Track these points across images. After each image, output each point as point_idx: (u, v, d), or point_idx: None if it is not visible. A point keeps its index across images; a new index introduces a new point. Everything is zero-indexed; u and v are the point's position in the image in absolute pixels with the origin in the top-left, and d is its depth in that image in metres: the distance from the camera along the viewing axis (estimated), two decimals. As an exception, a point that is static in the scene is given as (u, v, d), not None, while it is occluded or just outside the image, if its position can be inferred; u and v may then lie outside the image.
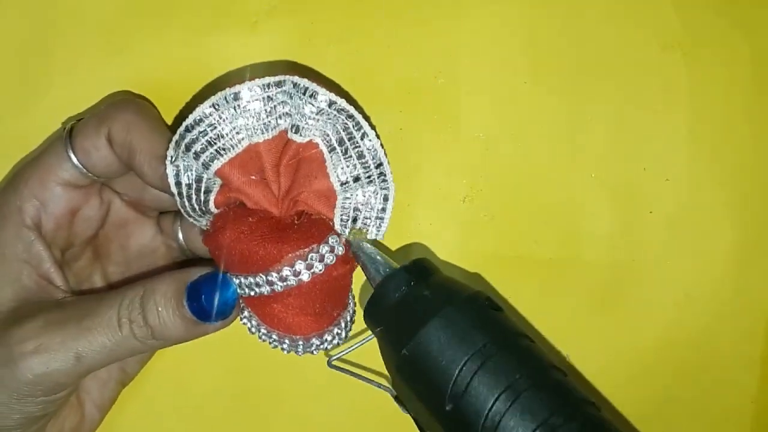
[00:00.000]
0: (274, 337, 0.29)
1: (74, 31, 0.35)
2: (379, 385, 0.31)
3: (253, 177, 0.28)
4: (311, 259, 0.27)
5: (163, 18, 0.35)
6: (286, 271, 0.27)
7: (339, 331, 0.30)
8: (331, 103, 0.27)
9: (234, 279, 0.28)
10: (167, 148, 0.28)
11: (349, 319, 0.31)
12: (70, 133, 0.30)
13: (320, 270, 0.27)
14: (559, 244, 0.35)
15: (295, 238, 0.27)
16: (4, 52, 0.36)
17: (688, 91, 0.35)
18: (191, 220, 0.30)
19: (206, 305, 0.27)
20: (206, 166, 0.27)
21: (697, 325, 0.35)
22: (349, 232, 0.29)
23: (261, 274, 0.27)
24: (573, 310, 0.35)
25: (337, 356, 0.31)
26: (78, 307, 0.28)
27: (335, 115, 0.27)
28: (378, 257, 0.29)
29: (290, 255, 0.27)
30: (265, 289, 0.28)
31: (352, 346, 0.31)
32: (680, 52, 0.35)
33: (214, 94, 0.27)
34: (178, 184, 0.28)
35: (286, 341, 0.29)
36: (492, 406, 0.24)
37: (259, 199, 0.28)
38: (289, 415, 0.36)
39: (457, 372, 0.25)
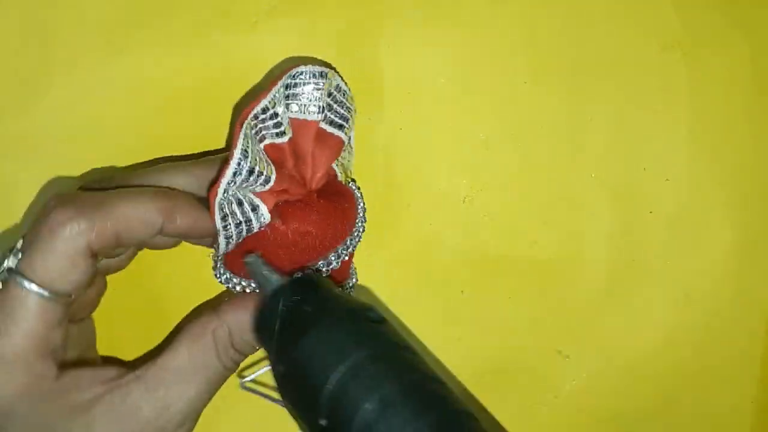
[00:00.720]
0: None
1: (74, 31, 0.35)
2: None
3: (282, 172, 0.29)
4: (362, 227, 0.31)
5: (163, 18, 0.35)
6: (354, 237, 0.31)
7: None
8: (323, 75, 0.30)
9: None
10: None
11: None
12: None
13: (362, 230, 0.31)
14: (559, 244, 0.35)
15: (339, 204, 0.30)
16: (4, 52, 0.36)
17: (688, 91, 0.35)
18: (230, 245, 0.29)
19: None
20: (262, 185, 0.28)
21: (697, 325, 0.35)
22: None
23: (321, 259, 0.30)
24: (572, 310, 0.35)
25: (249, 378, 0.30)
26: None
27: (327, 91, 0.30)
28: (267, 272, 0.28)
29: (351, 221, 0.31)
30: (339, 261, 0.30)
31: (263, 368, 0.30)
32: (680, 52, 0.35)
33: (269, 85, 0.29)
34: (225, 217, 0.28)
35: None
36: (361, 419, 0.23)
37: (295, 188, 0.29)
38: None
39: (329, 385, 0.24)
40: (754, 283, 0.36)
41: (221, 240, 0.28)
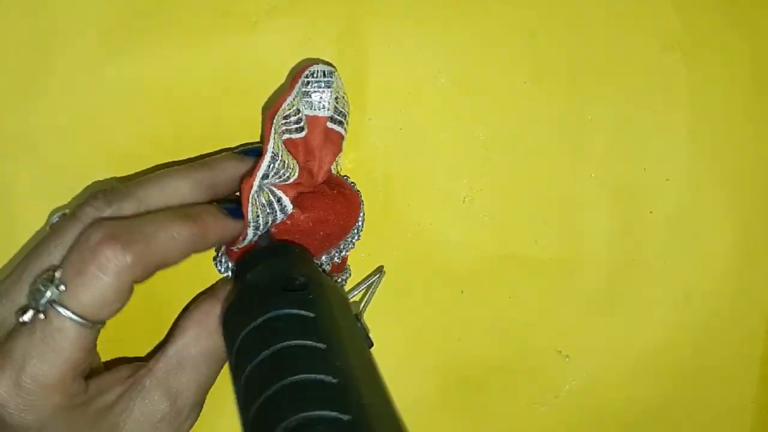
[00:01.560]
0: None
1: (74, 31, 0.35)
2: None
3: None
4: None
5: (163, 18, 0.35)
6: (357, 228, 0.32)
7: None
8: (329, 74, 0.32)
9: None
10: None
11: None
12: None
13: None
14: (559, 244, 0.35)
15: (342, 195, 0.32)
16: (4, 52, 0.36)
17: (688, 91, 0.35)
18: (255, 233, 0.30)
19: None
20: (284, 180, 0.30)
21: (697, 324, 0.35)
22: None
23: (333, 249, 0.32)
24: (573, 310, 0.35)
25: None
26: None
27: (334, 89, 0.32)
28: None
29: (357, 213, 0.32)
30: (326, 265, 0.32)
31: None
32: (680, 52, 0.35)
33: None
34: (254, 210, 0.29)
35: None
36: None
37: (306, 180, 0.31)
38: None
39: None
40: (754, 283, 0.36)
41: (250, 232, 0.29)
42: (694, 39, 0.35)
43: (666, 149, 0.35)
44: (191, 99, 0.35)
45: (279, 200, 0.30)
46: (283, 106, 0.30)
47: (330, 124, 0.31)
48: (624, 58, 0.35)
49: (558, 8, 0.35)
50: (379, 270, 0.34)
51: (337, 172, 0.34)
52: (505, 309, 0.35)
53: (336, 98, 0.31)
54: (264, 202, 0.29)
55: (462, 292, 0.35)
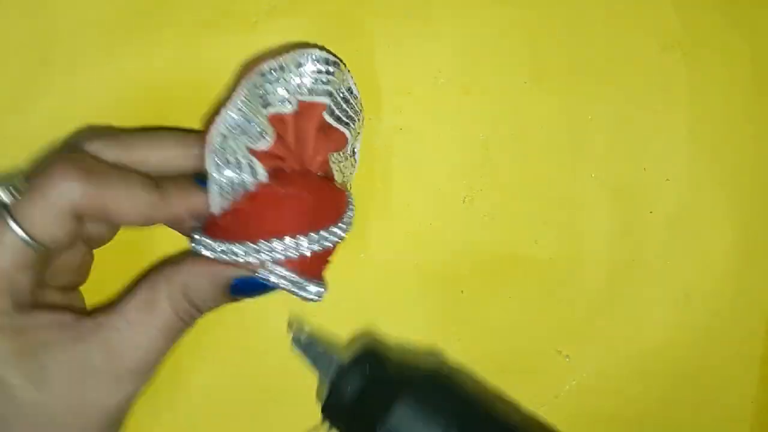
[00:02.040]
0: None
1: (74, 31, 0.35)
2: None
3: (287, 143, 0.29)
4: (348, 219, 0.30)
5: (163, 18, 0.35)
6: (341, 224, 0.29)
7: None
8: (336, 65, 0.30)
9: (284, 242, 0.28)
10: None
11: None
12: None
13: (349, 226, 0.30)
14: (559, 244, 0.35)
15: (331, 188, 0.30)
16: (3, 52, 0.36)
17: (688, 91, 0.35)
18: (220, 202, 0.29)
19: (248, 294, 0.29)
20: (256, 140, 0.28)
21: (697, 325, 0.35)
22: (291, 328, 0.30)
23: (317, 234, 0.28)
24: (573, 310, 0.35)
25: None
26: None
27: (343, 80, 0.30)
28: (322, 351, 0.29)
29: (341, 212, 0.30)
30: (319, 246, 0.29)
31: None
32: (680, 52, 0.35)
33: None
34: (219, 167, 0.28)
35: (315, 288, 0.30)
36: None
37: (292, 162, 0.29)
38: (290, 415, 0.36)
39: None
40: (754, 283, 0.36)
41: (213, 189, 0.28)
42: (694, 39, 0.35)
43: (666, 149, 0.35)
44: (192, 99, 0.35)
45: (252, 165, 0.28)
46: (263, 66, 0.28)
47: (332, 122, 0.30)
48: (624, 58, 0.35)
49: (558, 8, 0.35)
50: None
51: (346, 186, 0.32)
52: (505, 309, 0.35)
53: (343, 98, 0.30)
54: (231, 160, 0.28)
55: (462, 292, 0.35)
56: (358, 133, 0.32)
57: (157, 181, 0.28)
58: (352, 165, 0.32)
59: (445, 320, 0.35)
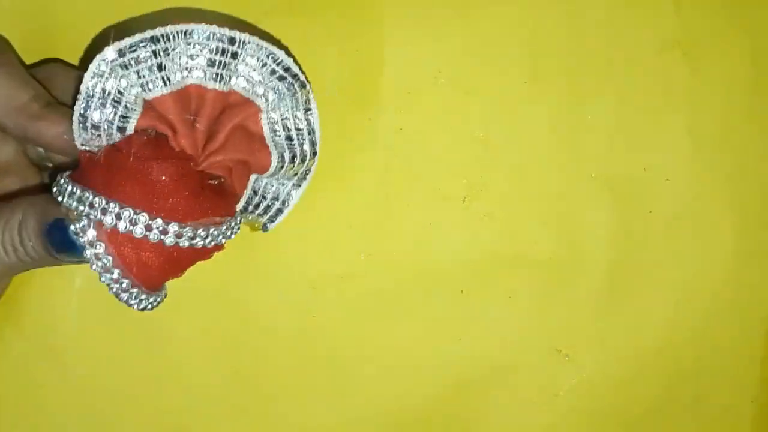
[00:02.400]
0: (123, 284, 0.26)
1: (74, 35, 0.35)
2: None
3: (188, 117, 0.26)
4: (197, 234, 0.25)
5: (162, 18, 0.35)
6: (188, 231, 0.25)
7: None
8: (302, 87, 0.26)
9: (118, 208, 0.25)
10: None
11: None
12: None
13: (208, 244, 0.26)
14: (558, 244, 0.35)
15: (210, 201, 0.26)
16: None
17: (688, 91, 0.35)
18: (82, 135, 0.26)
19: (66, 245, 0.26)
20: (146, 88, 0.25)
21: (697, 325, 0.35)
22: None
23: (162, 222, 0.25)
24: (573, 310, 0.35)
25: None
26: None
27: (296, 102, 0.26)
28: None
29: (198, 221, 0.25)
30: (154, 236, 0.25)
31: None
32: (680, 51, 0.35)
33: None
34: (91, 96, 0.25)
35: (135, 290, 0.26)
36: None
37: (185, 140, 0.26)
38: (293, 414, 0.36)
39: None
40: (754, 283, 0.36)
41: (75, 121, 0.25)
42: (694, 39, 0.35)
43: (666, 149, 0.35)
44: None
45: (130, 108, 0.25)
46: (209, 29, 0.25)
47: (266, 131, 0.26)
48: (624, 58, 0.35)
49: (557, 8, 0.35)
50: None
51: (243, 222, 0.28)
52: (504, 309, 0.35)
53: (296, 123, 0.27)
54: (112, 92, 0.25)
55: (462, 291, 0.35)
56: (295, 175, 0.28)
57: (49, 100, 0.27)
58: (279, 213, 0.29)
59: (445, 320, 0.35)
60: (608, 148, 0.35)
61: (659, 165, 0.35)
